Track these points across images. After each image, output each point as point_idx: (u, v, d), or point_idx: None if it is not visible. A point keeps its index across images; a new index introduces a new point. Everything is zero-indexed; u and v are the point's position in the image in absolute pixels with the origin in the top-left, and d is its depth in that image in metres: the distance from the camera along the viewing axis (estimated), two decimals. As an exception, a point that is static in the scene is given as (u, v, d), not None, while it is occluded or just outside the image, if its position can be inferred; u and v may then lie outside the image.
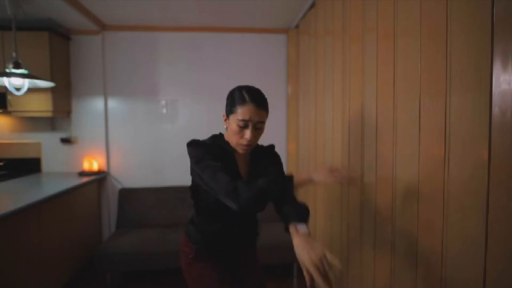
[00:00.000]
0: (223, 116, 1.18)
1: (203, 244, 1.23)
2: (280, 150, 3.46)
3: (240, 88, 1.14)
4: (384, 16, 1.34)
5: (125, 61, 2.95)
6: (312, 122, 2.40)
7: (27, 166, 2.88)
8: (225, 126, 1.18)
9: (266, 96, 1.16)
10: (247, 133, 1.09)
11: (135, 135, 3.00)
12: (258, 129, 1.12)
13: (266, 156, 1.28)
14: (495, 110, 0.79)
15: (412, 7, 1.14)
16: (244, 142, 1.11)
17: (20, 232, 1.82)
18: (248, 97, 1.10)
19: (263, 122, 1.13)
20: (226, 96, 1.18)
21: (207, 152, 1.11)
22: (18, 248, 1.79)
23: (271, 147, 1.33)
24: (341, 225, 1.84)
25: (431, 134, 1.05)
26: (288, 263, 2.51)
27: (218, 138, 1.21)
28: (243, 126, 1.09)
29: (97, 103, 2.94)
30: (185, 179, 2.97)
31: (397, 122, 1.25)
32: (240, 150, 1.15)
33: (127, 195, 2.85)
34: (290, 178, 1.31)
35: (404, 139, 1.21)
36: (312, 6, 2.34)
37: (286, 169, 3.13)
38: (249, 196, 0.98)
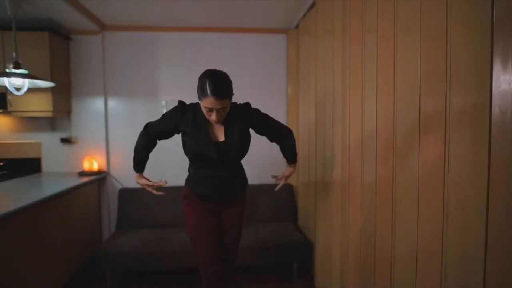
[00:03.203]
0: (198, 98, 1.43)
1: (193, 184, 1.57)
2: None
3: (205, 77, 1.37)
4: (384, 16, 1.34)
5: (125, 61, 2.95)
6: (312, 122, 2.40)
7: (27, 166, 2.88)
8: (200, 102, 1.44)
9: (229, 82, 1.42)
10: (213, 115, 1.38)
11: (135, 135, 2.96)
12: (221, 111, 1.38)
13: (247, 116, 1.52)
14: (495, 110, 0.79)
15: (412, 7, 1.14)
16: (212, 121, 1.41)
17: (20, 232, 1.82)
18: (209, 90, 1.32)
19: (225, 107, 1.38)
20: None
21: (167, 119, 1.54)
22: (18, 248, 1.79)
23: (246, 107, 1.55)
24: (341, 226, 1.84)
25: (431, 134, 1.05)
26: (288, 263, 2.51)
27: (198, 106, 1.48)
28: (209, 111, 1.38)
29: (97, 103, 2.94)
30: (185, 179, 2.98)
31: (397, 122, 1.25)
32: (212, 122, 1.43)
33: (127, 195, 2.84)
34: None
35: (404, 139, 1.21)
36: (312, 6, 2.34)
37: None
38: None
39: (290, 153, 1.72)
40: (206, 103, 1.35)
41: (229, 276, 1.64)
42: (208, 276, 1.53)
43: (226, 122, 1.48)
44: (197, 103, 1.49)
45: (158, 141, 1.65)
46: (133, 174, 2.97)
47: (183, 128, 1.48)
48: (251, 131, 1.59)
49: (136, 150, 1.65)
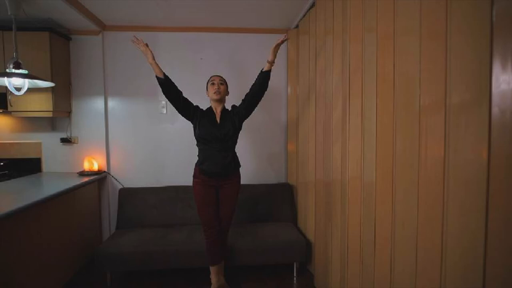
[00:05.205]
0: (206, 91, 2.24)
1: (201, 164, 2.12)
2: (280, 150, 3.45)
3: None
4: (384, 16, 1.34)
5: (125, 61, 2.95)
6: (312, 122, 2.40)
7: (27, 166, 2.88)
8: (207, 96, 2.22)
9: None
10: (215, 85, 2.14)
11: (135, 135, 3.01)
12: (220, 84, 2.16)
13: (232, 109, 2.22)
14: (495, 110, 0.79)
15: (412, 7, 1.14)
16: (215, 90, 2.13)
17: (20, 232, 1.82)
18: (212, 75, 2.23)
19: (222, 81, 2.19)
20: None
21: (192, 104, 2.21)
22: (18, 248, 1.80)
23: (232, 106, 2.25)
24: (341, 226, 1.84)
25: (431, 134, 1.05)
26: (288, 263, 2.51)
27: (208, 107, 2.24)
28: (212, 84, 2.16)
29: (97, 103, 2.94)
30: (185, 179, 2.98)
31: (397, 122, 1.26)
32: (214, 96, 2.13)
33: (127, 195, 2.84)
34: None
35: (404, 139, 1.21)
36: (312, 6, 2.34)
37: (285, 169, 3.14)
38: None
39: (261, 76, 2.11)
40: (211, 80, 2.18)
41: (222, 234, 2.25)
42: (206, 232, 2.14)
43: (221, 115, 2.16)
44: (209, 107, 2.23)
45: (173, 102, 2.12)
46: (133, 174, 3.01)
47: (197, 115, 2.14)
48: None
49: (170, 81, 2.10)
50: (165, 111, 3.01)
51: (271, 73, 2.13)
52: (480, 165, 0.84)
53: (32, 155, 2.92)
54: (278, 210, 2.88)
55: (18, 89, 2.07)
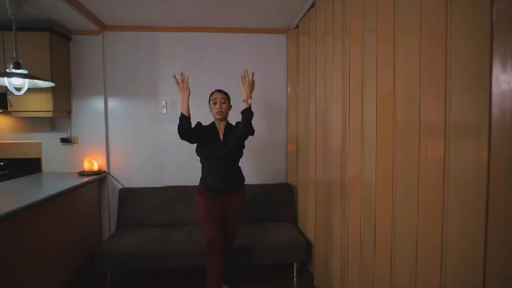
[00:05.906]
0: (208, 106, 2.16)
1: (204, 179, 2.11)
2: (280, 150, 3.45)
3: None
4: (384, 16, 1.34)
5: (125, 61, 2.95)
6: (312, 122, 2.40)
7: (27, 166, 2.88)
8: (211, 113, 2.14)
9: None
10: (217, 105, 2.09)
11: (135, 135, 3.01)
12: (222, 103, 2.09)
13: (235, 127, 2.14)
14: (495, 110, 0.79)
15: (412, 7, 1.14)
16: (217, 110, 2.08)
17: (20, 232, 1.82)
18: (214, 91, 2.16)
19: (224, 99, 2.11)
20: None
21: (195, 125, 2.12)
22: (18, 248, 1.79)
23: (236, 123, 2.16)
24: (341, 226, 1.84)
25: (431, 134, 1.05)
26: (288, 263, 2.51)
27: (211, 123, 2.18)
28: (215, 103, 2.10)
29: (97, 103, 2.94)
30: (185, 179, 2.98)
31: (397, 122, 1.26)
32: (217, 116, 2.10)
33: (127, 195, 2.84)
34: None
35: (404, 139, 1.21)
36: (312, 6, 2.34)
37: (285, 169, 3.14)
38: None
39: (242, 118, 2.00)
40: (213, 97, 2.12)
41: (229, 247, 2.25)
42: (209, 245, 2.00)
43: (224, 132, 2.13)
44: (212, 122, 2.18)
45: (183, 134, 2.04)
46: (133, 174, 3.01)
47: (201, 136, 2.09)
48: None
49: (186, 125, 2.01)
50: (165, 111, 3.01)
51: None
52: (480, 165, 0.84)
53: (32, 155, 2.92)
54: (278, 210, 2.88)
55: (18, 89, 2.07)
